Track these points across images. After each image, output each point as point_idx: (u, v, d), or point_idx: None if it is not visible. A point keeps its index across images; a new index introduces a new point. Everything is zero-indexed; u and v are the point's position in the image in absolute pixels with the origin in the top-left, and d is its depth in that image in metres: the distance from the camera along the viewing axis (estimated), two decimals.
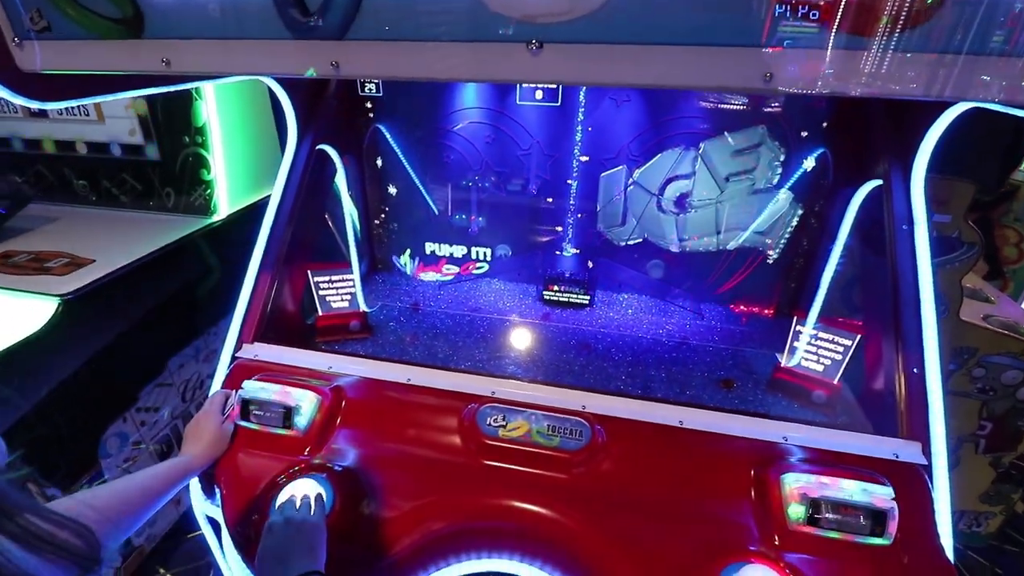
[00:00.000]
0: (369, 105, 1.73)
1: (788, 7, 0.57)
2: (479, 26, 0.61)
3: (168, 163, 1.85)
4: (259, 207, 2.04)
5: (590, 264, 1.83)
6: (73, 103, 0.88)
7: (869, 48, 0.58)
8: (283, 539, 0.87)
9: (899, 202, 1.22)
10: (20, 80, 0.81)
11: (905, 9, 0.58)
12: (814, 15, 0.57)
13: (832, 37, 0.57)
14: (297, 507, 0.94)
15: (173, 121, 1.78)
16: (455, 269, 1.91)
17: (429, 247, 1.94)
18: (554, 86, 1.51)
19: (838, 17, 0.57)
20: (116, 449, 1.65)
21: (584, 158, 1.67)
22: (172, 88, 1.02)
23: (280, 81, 1.36)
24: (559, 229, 1.81)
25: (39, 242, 1.74)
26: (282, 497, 1.01)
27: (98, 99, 0.90)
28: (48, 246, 1.70)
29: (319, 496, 0.99)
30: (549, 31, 0.60)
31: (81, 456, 1.55)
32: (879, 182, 1.29)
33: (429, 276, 1.90)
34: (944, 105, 1.10)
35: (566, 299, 1.79)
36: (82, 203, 2.02)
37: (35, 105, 0.83)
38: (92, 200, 2.01)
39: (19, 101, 0.81)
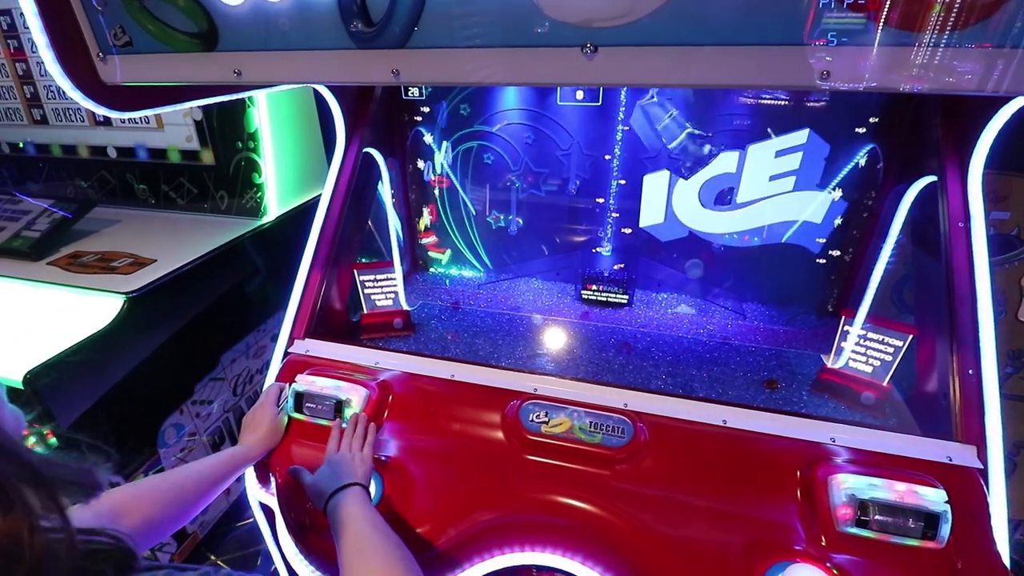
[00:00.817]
0: (413, 109, 1.77)
1: (845, 3, 0.57)
2: (534, 32, 0.63)
3: (222, 167, 1.94)
4: (305, 209, 2.13)
5: (616, 266, 1.83)
6: (149, 112, 0.95)
7: (922, 42, 0.58)
8: (337, 464, 1.00)
9: (955, 198, 1.18)
10: (102, 92, 0.88)
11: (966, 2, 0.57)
12: (867, 10, 0.57)
13: (886, 32, 0.57)
14: (350, 448, 1.07)
15: (227, 127, 1.87)
16: None
17: None
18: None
19: (890, 12, 0.57)
20: (173, 439, 1.74)
21: (621, 158, 1.67)
22: (238, 96, 1.08)
23: (331, 88, 1.42)
24: (601, 230, 1.82)
25: (104, 243, 1.85)
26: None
27: (171, 108, 0.97)
28: (113, 247, 1.80)
29: (369, 438, 1.11)
30: (604, 34, 0.61)
31: (141, 446, 1.64)
32: (933, 178, 1.25)
33: None
34: (1004, 99, 1.07)
35: (604, 298, 1.80)
36: (142, 206, 2.14)
37: (115, 115, 0.90)
38: (151, 203, 2.12)
39: (102, 111, 0.88)
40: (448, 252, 2.01)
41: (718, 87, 0.76)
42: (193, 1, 0.75)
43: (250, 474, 1.25)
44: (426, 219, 1.97)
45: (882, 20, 0.58)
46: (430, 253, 2.03)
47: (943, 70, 0.60)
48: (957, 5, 0.57)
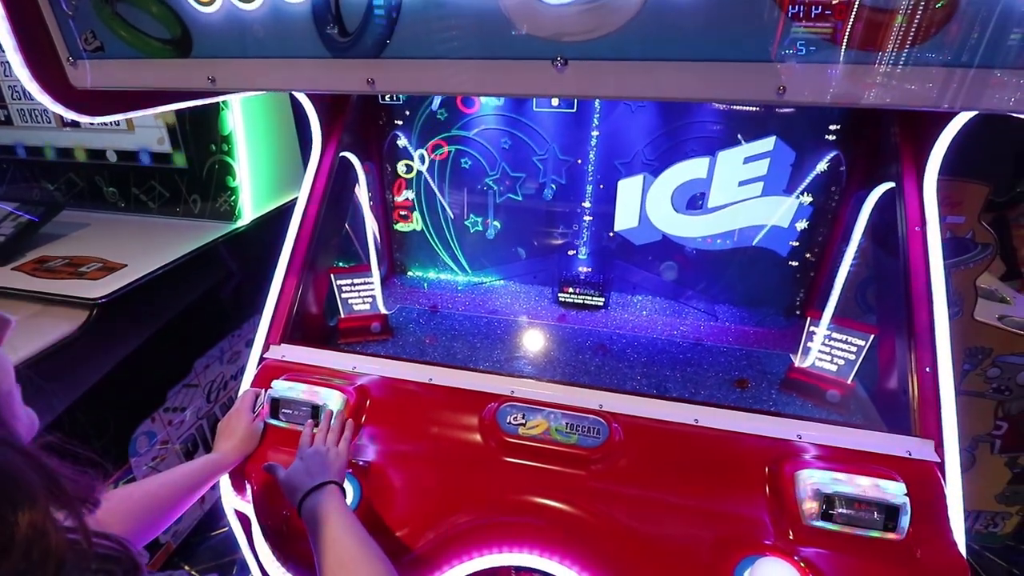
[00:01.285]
0: (388, 113, 1.78)
1: (801, 22, 0.60)
2: (507, 45, 0.65)
3: (195, 170, 1.92)
4: (281, 212, 2.11)
5: (583, 270, 1.86)
6: (119, 117, 0.94)
7: (879, 61, 0.61)
8: (310, 460, 0.99)
9: (912, 204, 1.24)
10: (72, 96, 0.86)
11: (916, 22, 0.60)
12: (825, 30, 0.60)
13: (843, 52, 0.60)
14: (325, 441, 1.06)
15: (200, 130, 1.85)
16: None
17: None
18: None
19: (848, 32, 0.60)
20: (145, 448, 1.71)
21: (596, 163, 1.70)
22: (211, 100, 1.07)
23: (307, 94, 1.41)
24: (575, 231, 1.85)
25: (72, 247, 1.81)
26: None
27: (142, 112, 0.96)
28: (81, 251, 1.76)
29: (346, 434, 1.11)
30: (574, 49, 0.63)
31: (112, 455, 1.61)
32: (892, 184, 1.31)
33: None
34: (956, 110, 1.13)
35: (581, 301, 1.82)
36: (112, 210, 2.09)
37: (85, 119, 0.88)
38: (121, 207, 2.08)
39: (71, 116, 0.86)
40: (415, 217, 1.98)
41: (684, 100, 0.79)
42: (166, 7, 0.75)
43: (225, 482, 1.24)
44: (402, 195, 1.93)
45: (844, 39, 0.61)
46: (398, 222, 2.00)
47: (896, 88, 0.63)
48: (910, 26, 0.60)
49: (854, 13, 0.59)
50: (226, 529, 2.05)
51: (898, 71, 0.60)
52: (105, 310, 1.49)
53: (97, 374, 1.51)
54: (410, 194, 1.91)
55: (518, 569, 1.13)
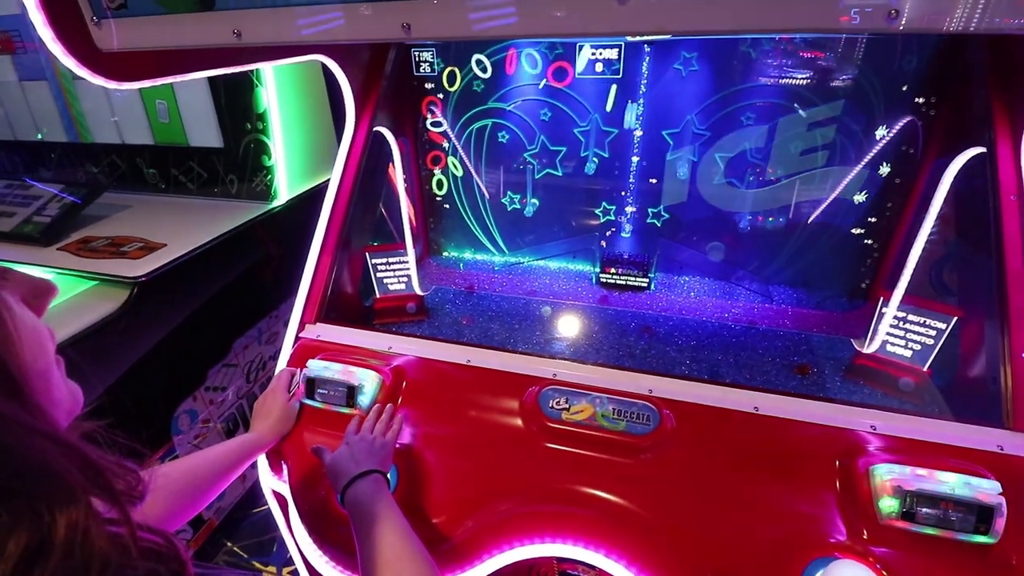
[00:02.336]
0: (422, 85, 1.71)
1: None
2: None
3: (231, 150, 1.90)
4: (316, 193, 2.09)
5: (625, 250, 1.76)
6: (147, 83, 0.90)
7: None
8: (356, 446, 0.97)
9: (1007, 170, 1.10)
10: (98, 60, 0.83)
11: None
12: None
13: None
14: (373, 429, 1.04)
15: (235, 108, 1.83)
16: None
17: None
18: (637, 39, 1.43)
19: None
20: (187, 426, 1.73)
21: (642, 133, 1.60)
22: (241, 68, 1.03)
23: (340, 63, 1.36)
24: (620, 211, 1.75)
25: (114, 228, 1.82)
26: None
27: (170, 79, 0.92)
28: (122, 231, 1.78)
29: (396, 420, 1.09)
30: None
31: (155, 433, 1.62)
32: (980, 150, 1.17)
33: None
34: None
35: (624, 282, 1.73)
36: (152, 191, 2.11)
37: (112, 85, 0.85)
38: (161, 188, 2.10)
39: (98, 81, 0.83)
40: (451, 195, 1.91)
41: (769, 32, 0.69)
42: None
43: (262, 462, 1.22)
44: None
45: None
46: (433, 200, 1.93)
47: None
48: None
49: None
50: (266, 507, 2.07)
51: None
52: (145, 289, 1.49)
53: (138, 353, 1.52)
54: (445, 171, 1.85)
55: (561, 560, 1.07)
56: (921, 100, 1.35)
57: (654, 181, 1.65)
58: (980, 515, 0.85)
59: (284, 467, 1.15)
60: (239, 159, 1.92)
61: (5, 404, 0.37)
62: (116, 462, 0.45)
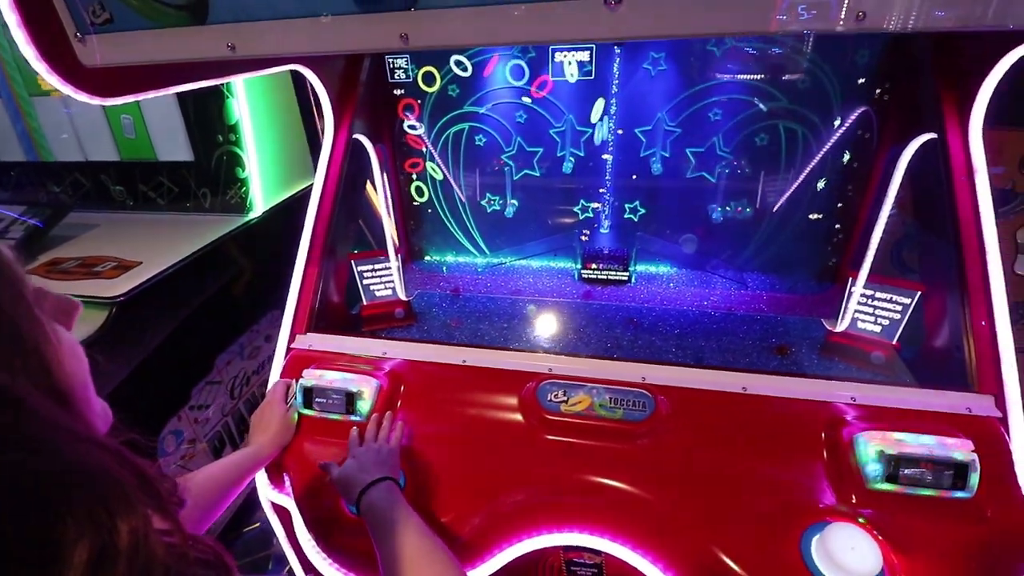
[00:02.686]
0: (398, 92, 1.72)
1: None
2: None
3: (203, 163, 1.87)
4: (293, 203, 2.07)
5: (605, 245, 1.81)
6: (133, 98, 0.89)
7: None
8: (363, 457, 0.97)
9: (957, 154, 1.18)
10: (82, 76, 0.82)
11: None
12: None
13: None
14: (376, 437, 1.05)
15: (206, 120, 1.79)
16: None
17: None
18: (618, 48, 1.48)
19: None
20: (173, 447, 1.69)
21: (619, 131, 1.64)
22: (226, 79, 1.02)
23: (316, 71, 1.36)
24: (597, 208, 1.79)
25: (83, 248, 1.76)
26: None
27: (158, 93, 0.91)
28: (93, 251, 1.72)
29: (397, 426, 1.09)
30: None
31: (142, 455, 1.58)
32: (932, 136, 1.25)
33: None
34: (1000, 54, 1.07)
35: (605, 276, 1.78)
36: (120, 208, 2.05)
37: (97, 102, 0.84)
38: (130, 205, 2.03)
39: (82, 98, 0.82)
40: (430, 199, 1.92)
41: (744, 34, 0.73)
42: None
43: (261, 475, 1.21)
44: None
45: None
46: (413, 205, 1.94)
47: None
48: None
49: None
50: (258, 525, 2.04)
51: None
52: (124, 309, 1.46)
53: (120, 375, 1.48)
54: (423, 175, 1.86)
55: (567, 550, 1.10)
56: (874, 91, 1.44)
57: (635, 177, 1.70)
58: (956, 472, 0.92)
59: (286, 478, 1.15)
60: (211, 172, 1.88)
61: (61, 414, 0.37)
62: (157, 470, 0.45)
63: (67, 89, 0.80)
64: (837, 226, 1.63)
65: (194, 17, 0.73)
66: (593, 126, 1.65)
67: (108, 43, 0.79)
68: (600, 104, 1.60)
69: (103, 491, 0.36)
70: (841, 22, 0.56)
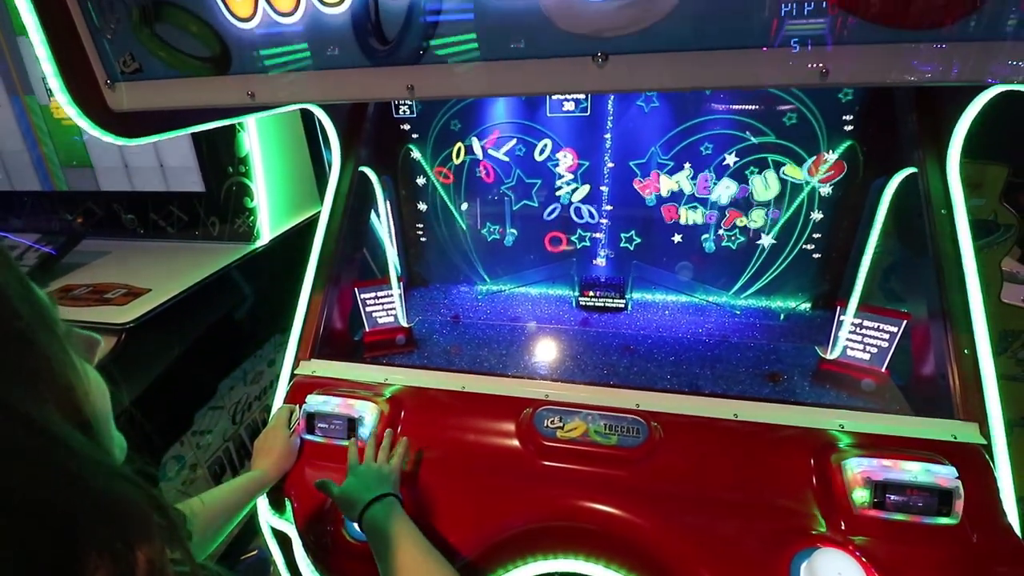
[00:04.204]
0: (403, 127, 1.79)
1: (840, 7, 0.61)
2: (547, 43, 0.66)
3: (213, 193, 1.93)
4: (297, 232, 2.12)
5: (601, 273, 1.86)
6: (157, 138, 0.95)
7: (918, 40, 0.62)
8: (364, 475, 0.99)
9: (936, 188, 1.24)
10: (110, 119, 0.88)
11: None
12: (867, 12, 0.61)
13: (881, 33, 0.61)
14: (375, 457, 1.07)
15: (217, 153, 1.86)
16: None
17: None
18: (611, 95, 1.56)
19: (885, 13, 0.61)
20: (174, 473, 1.70)
21: (612, 164, 1.71)
22: (246, 117, 1.08)
23: (326, 108, 1.43)
24: (594, 237, 1.85)
25: (95, 275, 1.81)
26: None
27: (180, 132, 0.97)
28: (104, 278, 1.77)
29: (398, 449, 1.11)
30: (614, 44, 0.64)
31: (148, 482, 1.59)
32: (913, 170, 1.31)
33: None
34: (976, 91, 1.13)
35: (602, 304, 1.82)
36: (131, 237, 2.11)
37: (123, 142, 0.90)
38: (140, 233, 2.09)
39: (109, 139, 0.88)
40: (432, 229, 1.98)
41: (726, 88, 0.79)
42: (206, 25, 0.76)
43: (262, 500, 1.23)
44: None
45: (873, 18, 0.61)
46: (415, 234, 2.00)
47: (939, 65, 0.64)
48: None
49: None
50: (256, 552, 2.03)
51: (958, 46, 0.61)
52: (133, 335, 1.50)
53: (126, 400, 1.51)
54: (426, 206, 1.92)
55: (564, 575, 1.12)
56: (859, 126, 1.50)
57: (624, 209, 1.76)
58: (941, 498, 0.94)
59: (288, 503, 1.17)
60: (221, 202, 1.94)
61: (90, 448, 0.41)
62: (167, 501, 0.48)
63: (96, 132, 0.86)
64: (828, 256, 1.68)
65: (217, 68, 0.79)
66: (591, 158, 1.71)
67: (136, 90, 0.85)
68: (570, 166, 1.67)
69: (126, 522, 0.38)
70: (809, 77, 0.61)
